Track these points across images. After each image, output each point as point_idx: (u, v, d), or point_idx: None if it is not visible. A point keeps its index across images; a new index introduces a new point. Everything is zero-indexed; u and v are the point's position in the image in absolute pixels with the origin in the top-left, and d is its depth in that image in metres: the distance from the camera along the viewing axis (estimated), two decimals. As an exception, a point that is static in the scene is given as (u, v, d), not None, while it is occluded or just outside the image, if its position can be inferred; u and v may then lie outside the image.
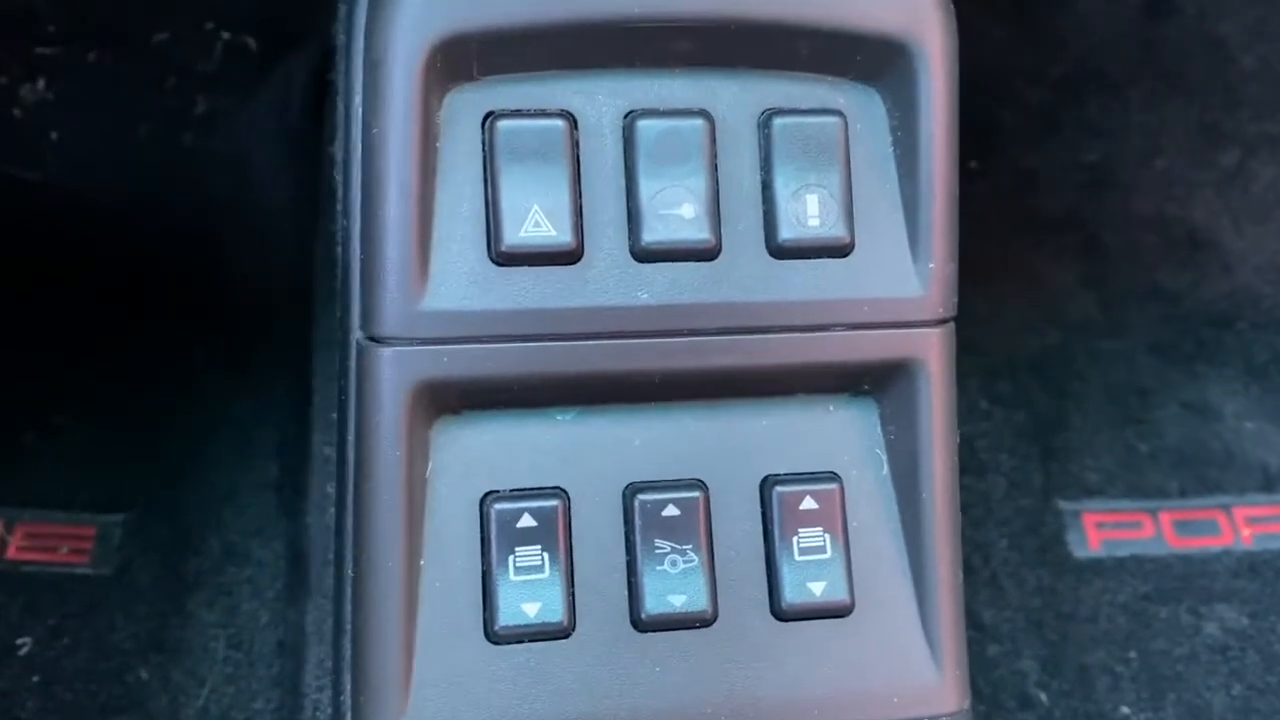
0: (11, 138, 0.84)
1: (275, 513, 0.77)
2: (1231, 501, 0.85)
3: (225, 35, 0.85)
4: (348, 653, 0.41)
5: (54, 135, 0.85)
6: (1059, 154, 0.97)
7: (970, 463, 0.86)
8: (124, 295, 0.84)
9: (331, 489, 0.47)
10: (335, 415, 0.47)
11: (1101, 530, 0.84)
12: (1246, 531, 0.84)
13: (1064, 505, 0.84)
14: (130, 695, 0.70)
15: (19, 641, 0.71)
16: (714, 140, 0.41)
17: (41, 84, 0.84)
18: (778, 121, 0.41)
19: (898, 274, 0.42)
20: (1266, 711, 0.76)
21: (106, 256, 0.85)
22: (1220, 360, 0.93)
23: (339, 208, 0.42)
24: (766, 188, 0.41)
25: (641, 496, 0.42)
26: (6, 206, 0.85)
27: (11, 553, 0.75)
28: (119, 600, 0.73)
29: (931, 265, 0.42)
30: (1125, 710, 0.76)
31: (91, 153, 0.85)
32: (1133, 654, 0.78)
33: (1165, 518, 0.85)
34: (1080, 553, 0.82)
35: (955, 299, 0.43)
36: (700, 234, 0.41)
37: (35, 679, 0.70)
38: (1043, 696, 0.76)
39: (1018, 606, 0.80)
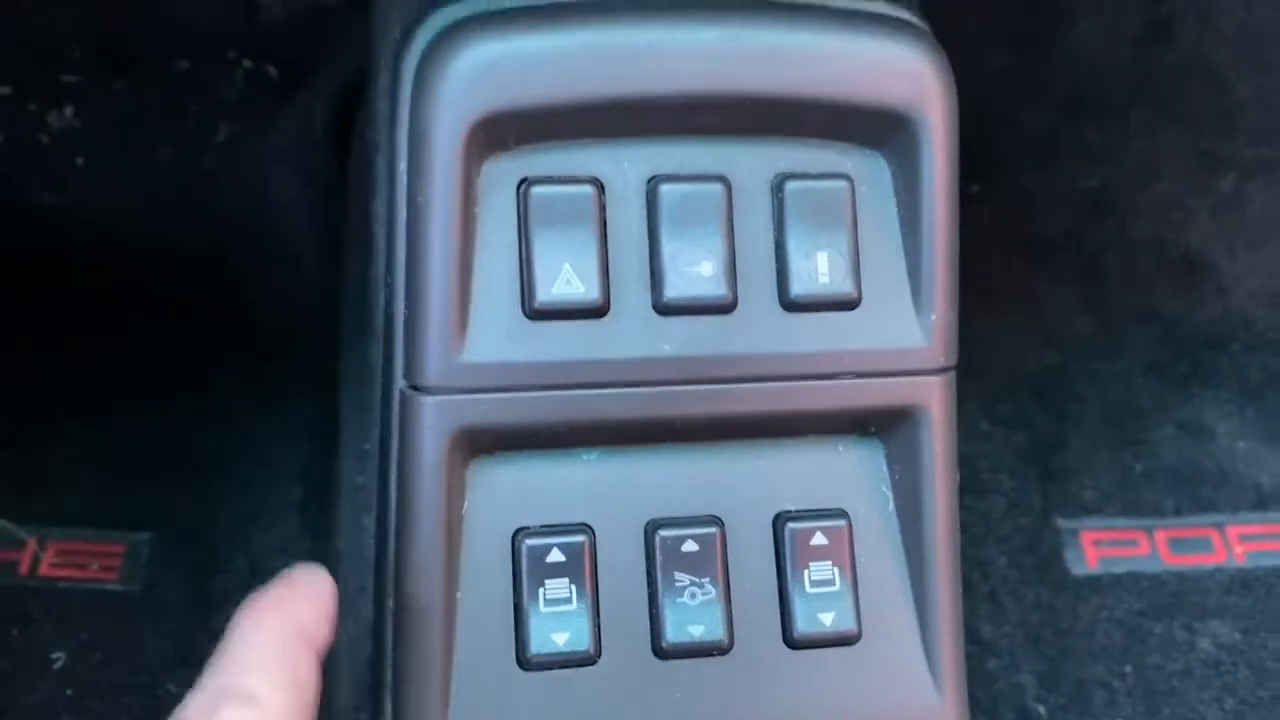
0: (39, 163, 0.86)
1: (299, 533, 0.79)
2: (1225, 520, 0.87)
3: (246, 64, 0.87)
4: (389, 677, 0.44)
5: (80, 160, 0.87)
6: (1058, 178, 0.99)
7: (971, 482, 0.88)
8: (146, 314, 0.86)
9: (365, 520, 0.49)
10: (366, 446, 0.50)
11: (1098, 548, 0.85)
12: (1239, 549, 0.86)
13: (1062, 523, 0.86)
14: (160, 708, 0.72)
15: (53, 656, 0.73)
16: (731, 203, 0.44)
17: (69, 111, 0.86)
18: (790, 185, 0.44)
19: (902, 326, 0.44)
20: None
21: (130, 277, 0.87)
22: (1215, 382, 0.94)
23: (383, 263, 0.45)
24: (779, 247, 0.44)
25: (662, 532, 0.44)
26: (34, 230, 0.87)
27: (44, 569, 0.77)
28: (148, 616, 0.75)
29: (933, 317, 0.44)
30: None
31: (115, 177, 0.87)
32: (1128, 668, 0.79)
33: (1160, 535, 0.86)
34: (1078, 570, 0.84)
35: (956, 348, 0.46)
36: (718, 290, 0.43)
37: (69, 692, 0.72)
38: (1041, 710, 0.78)
39: (1017, 622, 0.81)
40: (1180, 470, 0.89)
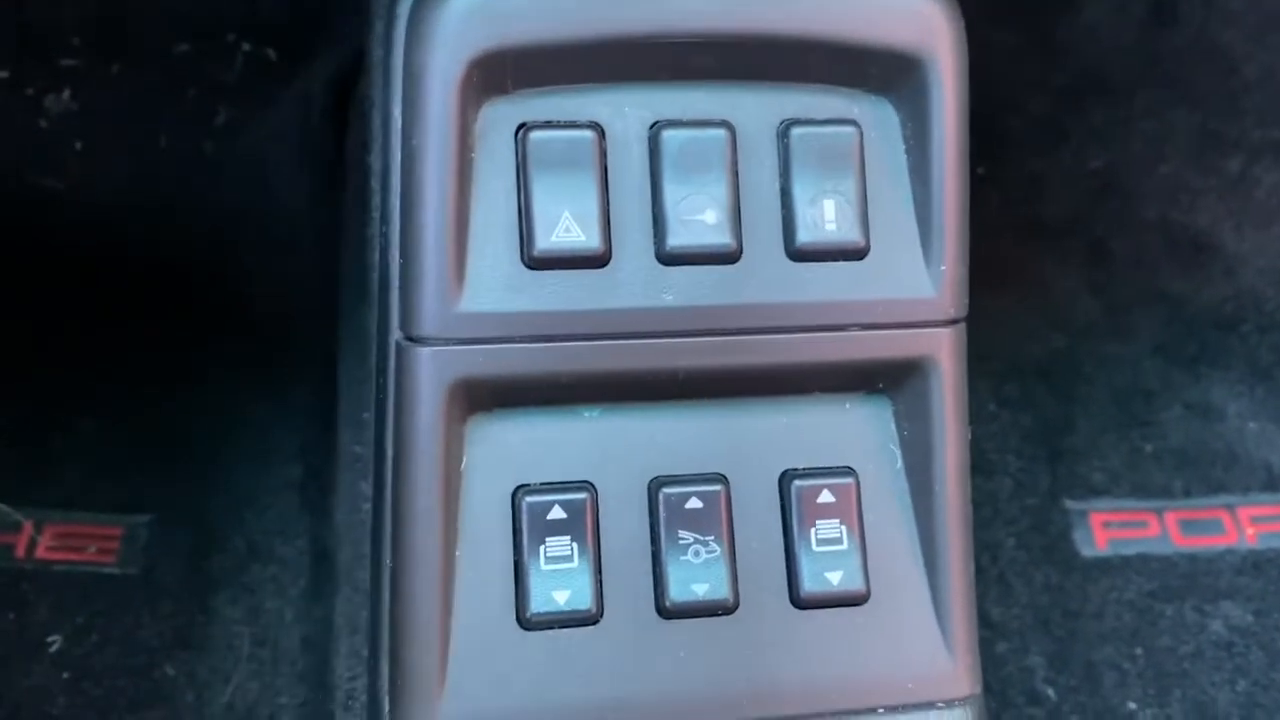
0: (37, 147, 0.86)
1: (298, 512, 0.78)
2: (1236, 501, 0.86)
3: (246, 46, 0.87)
4: (385, 641, 0.43)
5: (78, 145, 0.86)
6: (1065, 161, 0.99)
7: (978, 464, 0.87)
8: (146, 299, 0.86)
9: (363, 486, 0.49)
10: (365, 415, 0.49)
11: (1108, 529, 0.85)
12: (1250, 530, 0.85)
13: (1071, 505, 0.85)
14: (157, 691, 0.72)
15: (49, 639, 0.73)
16: (735, 149, 0.43)
17: (66, 95, 0.86)
18: (795, 131, 0.43)
19: (911, 276, 0.44)
20: (1270, 707, 0.77)
21: (129, 262, 0.87)
22: (1224, 362, 0.94)
23: (377, 214, 0.44)
24: (785, 194, 0.43)
25: (666, 490, 0.44)
26: (32, 215, 0.87)
27: (41, 552, 0.77)
28: (145, 598, 0.75)
29: (943, 268, 0.44)
30: (1132, 705, 0.77)
31: (115, 161, 0.87)
32: (1139, 651, 0.79)
33: (1170, 517, 0.86)
34: (1087, 551, 0.84)
35: (966, 300, 0.45)
36: (722, 238, 0.43)
37: (65, 675, 0.72)
38: (1050, 692, 0.77)
39: (1026, 604, 0.81)
40: (1189, 451, 0.88)
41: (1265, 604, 0.81)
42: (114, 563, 0.76)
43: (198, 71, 0.87)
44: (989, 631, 0.80)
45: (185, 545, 0.77)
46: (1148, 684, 0.78)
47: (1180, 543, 0.85)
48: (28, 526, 0.77)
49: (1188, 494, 0.87)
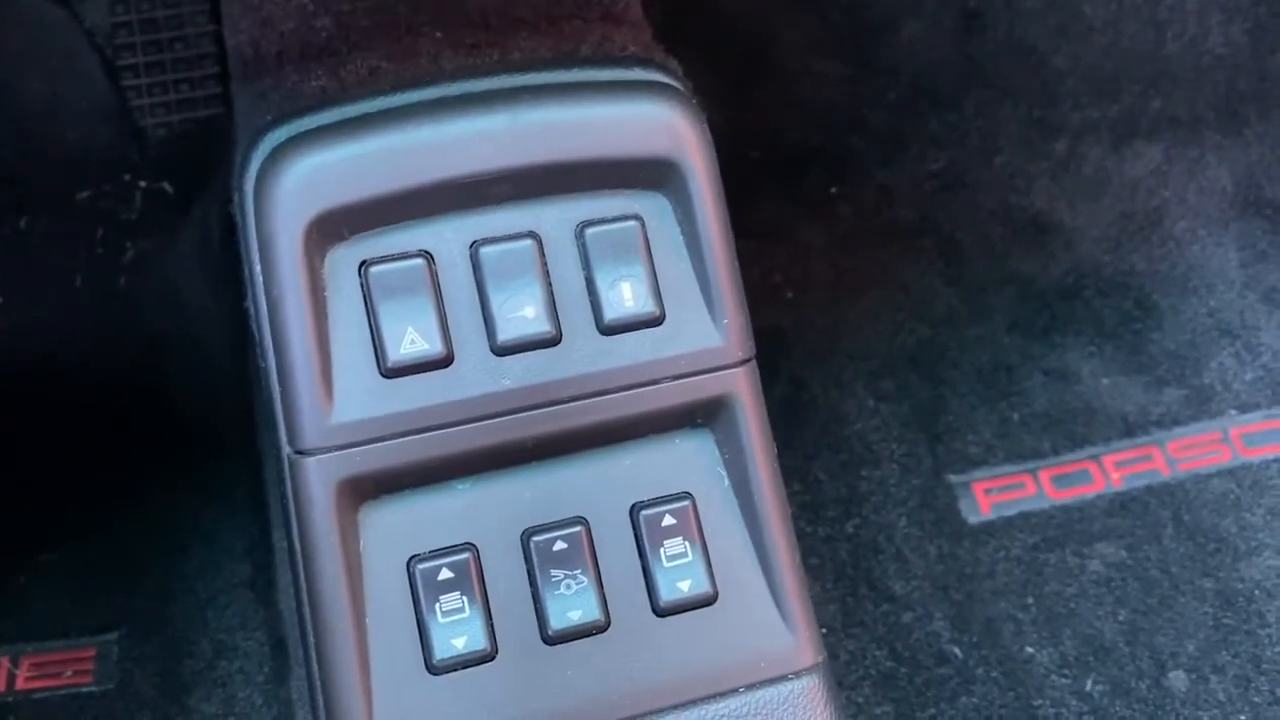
0: (-40, 306, 0.91)
1: (253, 607, 0.84)
2: (1100, 451, 0.93)
3: (142, 184, 0.93)
4: (321, 704, 0.51)
5: (0, 299, 0.92)
6: (908, 167, 1.05)
7: (865, 455, 0.94)
8: (84, 432, 0.90)
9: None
10: None
11: (989, 495, 0.91)
12: (1116, 475, 0.92)
13: (953, 479, 0.91)
14: None
15: None
16: (543, 253, 0.51)
17: (-19, 255, 0.91)
18: (590, 231, 0.52)
19: (702, 332, 0.52)
20: (1149, 629, 0.84)
21: (64, 399, 0.91)
22: (1073, 329, 1.00)
23: (259, 351, 0.52)
24: (590, 283, 0.52)
25: (535, 538, 0.51)
26: (-37, 371, 0.91)
27: (21, 684, 0.80)
28: (126, 710, 0.79)
29: (726, 320, 0.52)
30: (1030, 650, 0.83)
31: (38, 307, 0.92)
32: (1030, 600, 0.85)
33: (1044, 475, 0.92)
34: (973, 518, 0.90)
35: (751, 342, 0.54)
36: (544, 327, 0.51)
37: None
38: (956, 651, 0.83)
39: (924, 575, 0.87)
40: (1053, 413, 0.95)
41: (1135, 539, 0.88)
42: (91, 682, 0.80)
43: (102, 213, 0.92)
44: (893, 605, 0.86)
45: (155, 654, 0.81)
46: (1041, 628, 0.84)
47: (1054, 496, 0.91)
48: (4, 662, 0.80)
49: (1056, 452, 0.93)
